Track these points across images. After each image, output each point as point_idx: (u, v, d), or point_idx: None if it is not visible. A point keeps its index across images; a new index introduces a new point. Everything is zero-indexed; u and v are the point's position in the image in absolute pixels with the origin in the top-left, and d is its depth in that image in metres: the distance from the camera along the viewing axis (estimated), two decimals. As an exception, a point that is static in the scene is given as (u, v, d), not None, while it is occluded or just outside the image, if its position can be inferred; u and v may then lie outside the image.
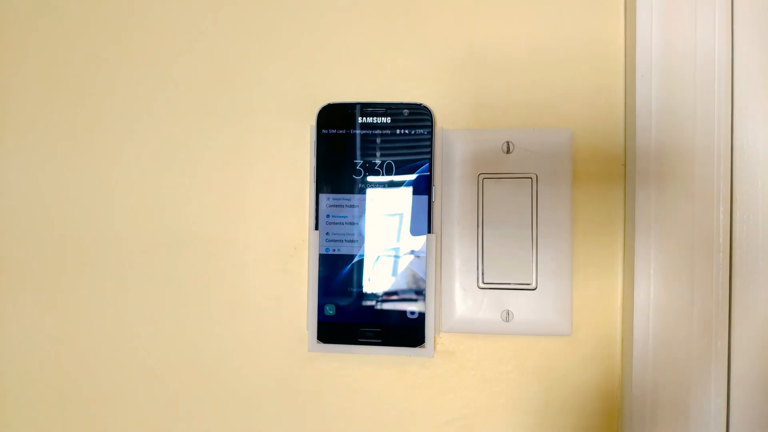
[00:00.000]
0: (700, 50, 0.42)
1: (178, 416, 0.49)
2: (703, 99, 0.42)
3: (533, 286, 0.44)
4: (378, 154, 0.45)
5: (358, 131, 0.46)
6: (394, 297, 0.45)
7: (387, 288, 0.45)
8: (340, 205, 0.45)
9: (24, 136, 0.51)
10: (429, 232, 0.45)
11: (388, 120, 0.45)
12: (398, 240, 0.45)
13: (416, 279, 0.45)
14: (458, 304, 0.45)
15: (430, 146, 0.45)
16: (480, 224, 0.45)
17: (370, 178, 0.45)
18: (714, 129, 0.42)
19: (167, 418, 0.49)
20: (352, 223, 0.45)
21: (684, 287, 0.42)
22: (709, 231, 0.42)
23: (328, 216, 0.45)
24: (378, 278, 0.45)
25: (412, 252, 0.45)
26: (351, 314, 0.45)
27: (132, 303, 0.49)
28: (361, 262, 0.45)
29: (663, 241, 0.42)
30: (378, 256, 0.45)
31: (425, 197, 0.45)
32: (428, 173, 0.45)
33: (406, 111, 0.45)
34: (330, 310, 0.45)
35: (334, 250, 0.45)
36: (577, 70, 0.46)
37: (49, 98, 0.50)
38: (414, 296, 0.45)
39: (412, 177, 0.45)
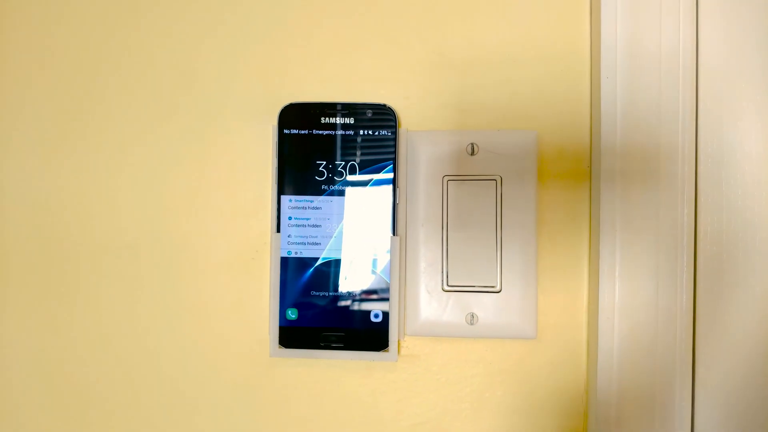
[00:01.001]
0: (665, 51, 0.42)
1: (136, 423, 0.48)
2: (668, 100, 0.42)
3: (497, 288, 0.44)
4: (341, 155, 0.44)
5: (320, 132, 0.45)
6: (358, 300, 0.44)
7: (350, 291, 0.44)
8: (303, 207, 0.44)
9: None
10: (393, 234, 0.44)
11: (352, 120, 0.45)
12: (362, 242, 0.44)
13: (380, 282, 0.44)
14: (423, 307, 0.45)
15: (394, 147, 0.44)
16: (445, 226, 0.45)
17: (333, 180, 0.44)
18: (679, 130, 0.42)
19: (124, 427, 0.48)
20: (314, 226, 0.44)
21: (649, 288, 0.42)
22: (674, 232, 0.42)
23: (290, 218, 0.44)
24: (341, 281, 0.44)
25: (376, 254, 0.44)
26: (313, 318, 0.44)
27: (87, 307, 0.48)
28: (323, 266, 0.44)
29: (628, 242, 0.42)
30: (341, 259, 0.44)
31: (389, 199, 0.44)
32: (392, 175, 0.44)
33: (369, 112, 0.45)
34: (292, 314, 0.44)
35: (296, 253, 0.44)
36: (543, 72, 0.45)
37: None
38: (378, 299, 0.44)
39: (376, 178, 0.44)
